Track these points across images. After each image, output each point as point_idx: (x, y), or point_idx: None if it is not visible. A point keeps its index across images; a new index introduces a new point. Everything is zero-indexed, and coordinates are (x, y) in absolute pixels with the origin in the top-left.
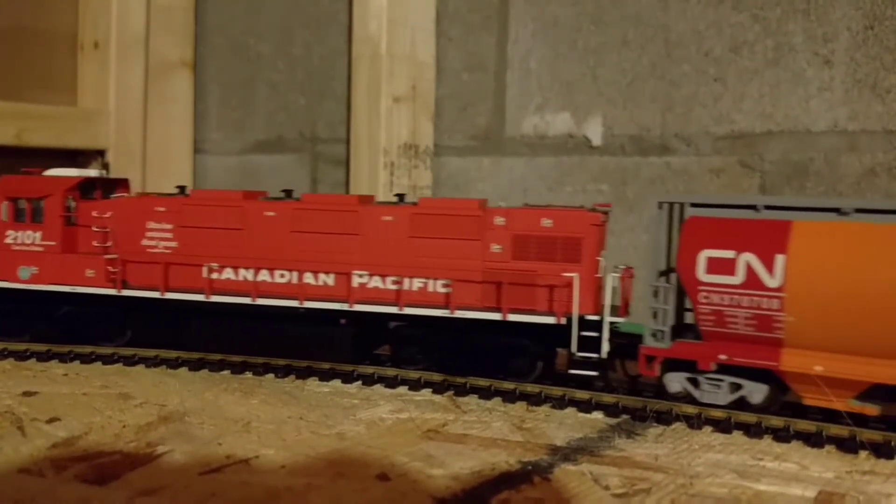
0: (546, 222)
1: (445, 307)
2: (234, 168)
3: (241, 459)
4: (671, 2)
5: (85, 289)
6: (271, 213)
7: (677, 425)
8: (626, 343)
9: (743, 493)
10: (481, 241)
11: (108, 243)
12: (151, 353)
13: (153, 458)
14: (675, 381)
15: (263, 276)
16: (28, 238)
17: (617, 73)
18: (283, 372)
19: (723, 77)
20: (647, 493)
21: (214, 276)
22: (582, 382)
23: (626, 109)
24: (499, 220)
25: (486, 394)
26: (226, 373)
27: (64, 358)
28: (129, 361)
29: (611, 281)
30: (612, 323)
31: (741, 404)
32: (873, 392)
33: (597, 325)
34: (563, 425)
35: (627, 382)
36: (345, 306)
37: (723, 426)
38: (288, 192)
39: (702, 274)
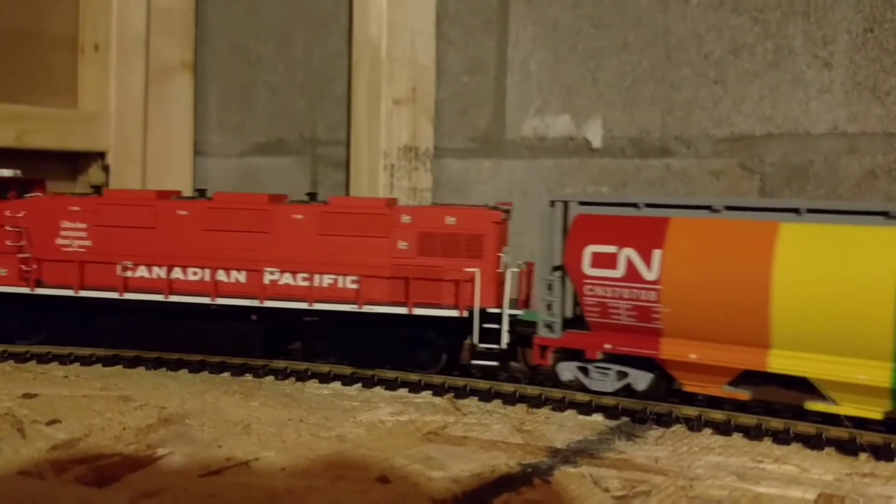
0: (450, 220)
1: (354, 302)
2: (234, 170)
3: (241, 461)
4: (671, 4)
5: None
6: (184, 212)
7: (677, 427)
8: (532, 334)
9: (743, 495)
10: (389, 239)
11: (22, 242)
12: (152, 355)
13: (153, 460)
14: (567, 370)
15: (177, 273)
16: None
17: (617, 75)
18: (283, 374)
19: (723, 79)
20: (647, 495)
21: (128, 274)
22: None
23: (626, 112)
24: (405, 219)
25: (486, 396)
26: (226, 375)
27: (64, 360)
28: (130, 363)
29: (510, 276)
30: (512, 315)
31: (628, 391)
32: (744, 378)
33: (498, 318)
34: (563, 427)
35: (528, 372)
36: (255, 302)
37: (723, 428)
38: (201, 192)
39: (587, 268)
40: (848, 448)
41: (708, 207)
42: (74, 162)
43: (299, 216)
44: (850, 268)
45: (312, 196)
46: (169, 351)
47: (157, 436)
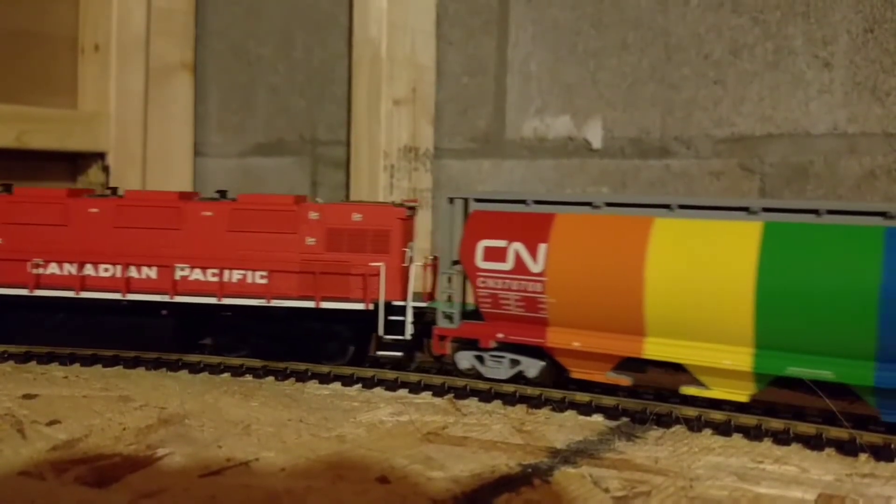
0: (356, 217)
1: (263, 297)
2: (234, 171)
3: (241, 462)
4: (671, 5)
5: None
6: (95, 210)
7: (677, 428)
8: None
9: (743, 495)
10: (297, 235)
11: None
12: (152, 355)
13: (153, 460)
14: (465, 359)
15: (88, 270)
16: None
17: (617, 76)
18: (283, 375)
19: (722, 80)
20: (647, 495)
21: (40, 271)
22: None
23: (625, 112)
24: (313, 215)
25: (486, 396)
26: (226, 375)
27: (64, 360)
28: (129, 364)
29: (414, 269)
30: (416, 307)
31: (520, 378)
32: (625, 365)
33: (402, 310)
34: (563, 428)
35: (433, 362)
36: (166, 298)
37: (722, 429)
38: (113, 190)
39: (480, 261)
40: (848, 449)
41: (589, 204)
42: (74, 162)
43: (209, 213)
44: (713, 259)
45: (223, 193)
46: (81, 346)
47: (157, 436)
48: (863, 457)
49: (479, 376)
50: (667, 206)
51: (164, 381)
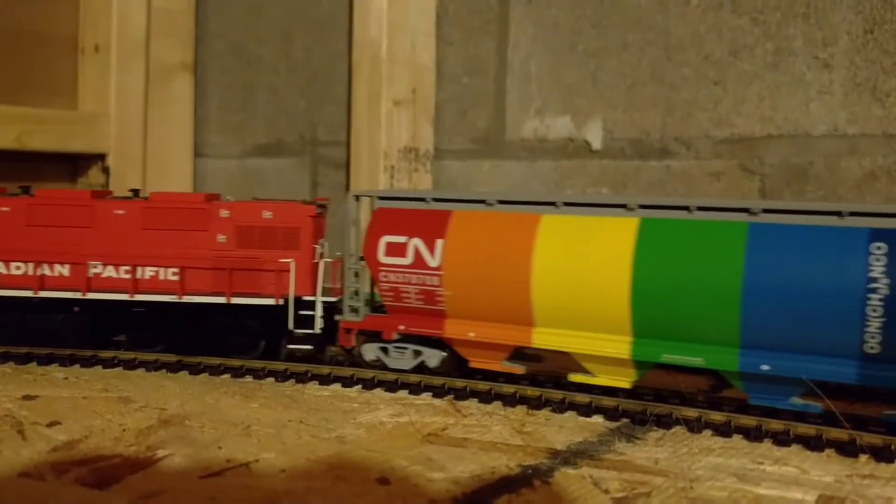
0: (267, 214)
1: (175, 293)
2: (234, 171)
3: (241, 463)
4: (671, 5)
5: None
6: (6, 209)
7: (677, 429)
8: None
9: (743, 496)
10: (208, 232)
11: None
12: (152, 356)
13: (153, 461)
14: (370, 351)
15: (0, 268)
16: None
17: (617, 76)
18: (283, 376)
19: (723, 81)
20: (647, 496)
21: None
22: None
23: (626, 113)
24: (224, 213)
25: (486, 398)
26: (226, 376)
27: (64, 361)
28: (130, 365)
29: (323, 265)
30: (326, 302)
31: (424, 368)
32: (518, 354)
33: (312, 305)
34: (564, 429)
35: (344, 354)
36: (78, 295)
37: (723, 430)
38: (25, 189)
39: (382, 256)
40: (848, 450)
41: (483, 202)
42: (74, 164)
43: (121, 212)
44: (594, 253)
45: (135, 192)
46: None
47: (157, 437)
48: (863, 458)
49: (384, 367)
50: (553, 204)
51: (164, 382)
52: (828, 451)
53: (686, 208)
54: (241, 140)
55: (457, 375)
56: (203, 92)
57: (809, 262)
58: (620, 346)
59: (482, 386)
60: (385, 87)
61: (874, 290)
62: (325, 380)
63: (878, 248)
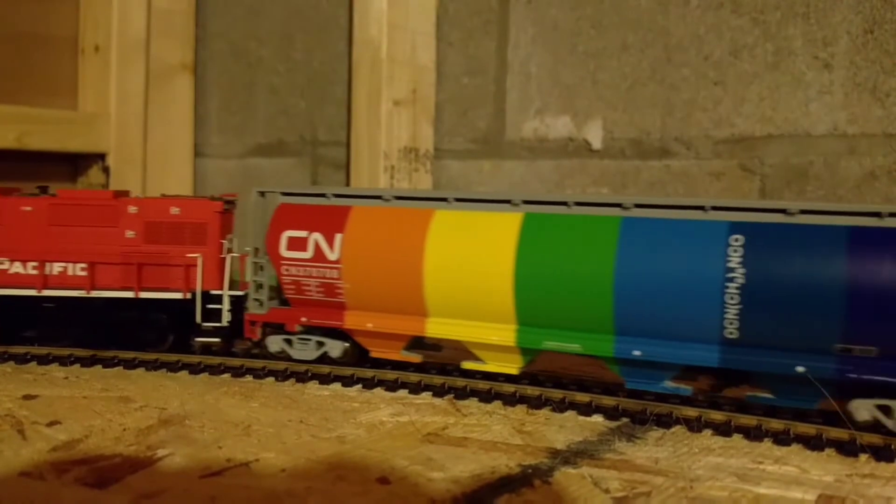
0: (174, 210)
1: (84, 288)
2: (234, 172)
3: (241, 463)
4: (671, 6)
5: None
6: None
7: (677, 428)
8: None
9: (743, 496)
10: (117, 228)
11: None
12: (152, 356)
13: (153, 461)
14: (274, 343)
15: None
16: None
17: (617, 76)
18: (283, 376)
19: (723, 81)
20: (647, 496)
21: None
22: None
23: (626, 113)
24: (132, 209)
25: (486, 397)
26: (226, 376)
27: (64, 361)
28: (130, 365)
29: (230, 260)
30: (233, 296)
31: (327, 359)
32: (417, 343)
33: (220, 299)
34: (564, 428)
35: (251, 347)
36: None
37: (723, 429)
38: None
39: (284, 250)
40: (848, 449)
41: (380, 197)
42: (74, 164)
43: (28, 208)
44: (481, 246)
45: (43, 189)
46: None
47: (157, 437)
48: (863, 457)
49: (288, 358)
50: (444, 200)
51: (164, 381)
52: (828, 451)
53: (565, 203)
54: (241, 140)
55: (457, 374)
56: (203, 92)
57: (674, 253)
58: (506, 334)
59: (482, 385)
60: (385, 87)
61: (732, 280)
62: (325, 379)
63: (736, 240)
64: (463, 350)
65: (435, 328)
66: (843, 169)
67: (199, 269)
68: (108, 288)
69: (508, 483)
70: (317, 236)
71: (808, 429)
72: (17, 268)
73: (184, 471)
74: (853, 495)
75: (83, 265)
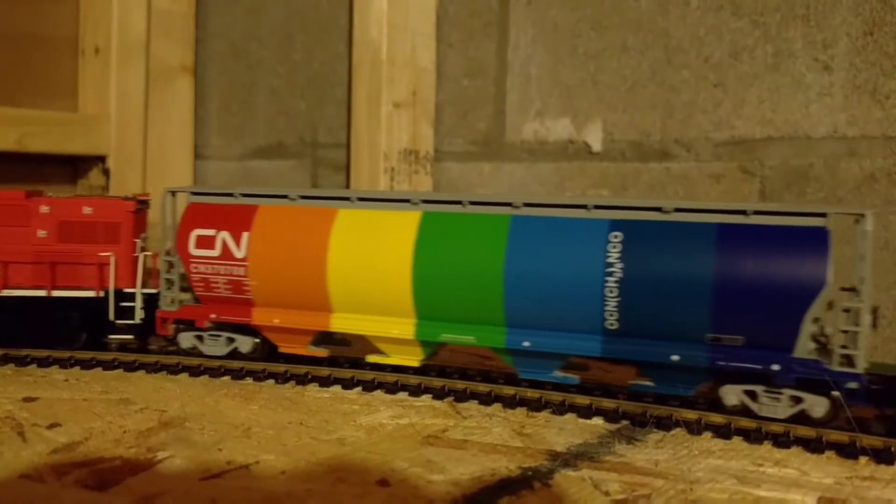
0: (87, 210)
1: None
2: (234, 173)
3: (241, 465)
4: (671, 7)
5: None
6: None
7: (677, 431)
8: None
9: (743, 498)
10: (29, 228)
11: None
12: (152, 358)
13: (154, 463)
14: (186, 340)
15: None
16: None
17: (617, 78)
18: (283, 378)
19: (723, 83)
20: (647, 498)
21: None
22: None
23: (626, 115)
24: (44, 209)
25: (486, 399)
26: (226, 378)
27: (64, 363)
28: (130, 367)
29: (142, 259)
30: (146, 293)
31: (237, 354)
32: (324, 338)
33: (133, 297)
34: (564, 431)
35: (166, 344)
36: None
37: (723, 432)
38: None
39: (192, 249)
40: (848, 451)
41: (286, 196)
42: (75, 165)
43: None
44: (381, 243)
45: None
46: None
47: (157, 439)
48: (863, 460)
49: (200, 354)
50: (348, 199)
51: (164, 384)
52: (828, 453)
53: (460, 203)
54: (241, 142)
55: (457, 377)
56: (203, 93)
57: (559, 249)
58: (406, 328)
59: (482, 388)
60: (385, 88)
61: (611, 274)
62: (325, 381)
63: (616, 236)
64: (365, 343)
65: (339, 323)
66: (843, 171)
67: (111, 268)
68: (20, 287)
69: (508, 485)
70: (224, 235)
71: (807, 431)
72: None
73: (184, 473)
74: (853, 498)
75: None
